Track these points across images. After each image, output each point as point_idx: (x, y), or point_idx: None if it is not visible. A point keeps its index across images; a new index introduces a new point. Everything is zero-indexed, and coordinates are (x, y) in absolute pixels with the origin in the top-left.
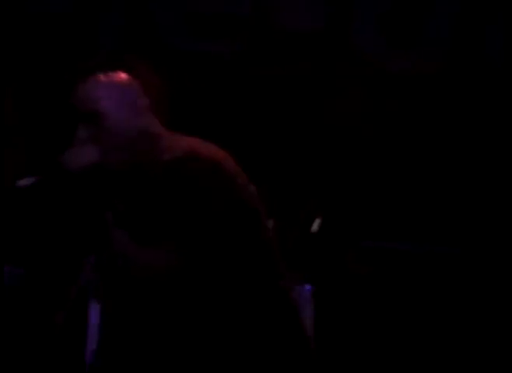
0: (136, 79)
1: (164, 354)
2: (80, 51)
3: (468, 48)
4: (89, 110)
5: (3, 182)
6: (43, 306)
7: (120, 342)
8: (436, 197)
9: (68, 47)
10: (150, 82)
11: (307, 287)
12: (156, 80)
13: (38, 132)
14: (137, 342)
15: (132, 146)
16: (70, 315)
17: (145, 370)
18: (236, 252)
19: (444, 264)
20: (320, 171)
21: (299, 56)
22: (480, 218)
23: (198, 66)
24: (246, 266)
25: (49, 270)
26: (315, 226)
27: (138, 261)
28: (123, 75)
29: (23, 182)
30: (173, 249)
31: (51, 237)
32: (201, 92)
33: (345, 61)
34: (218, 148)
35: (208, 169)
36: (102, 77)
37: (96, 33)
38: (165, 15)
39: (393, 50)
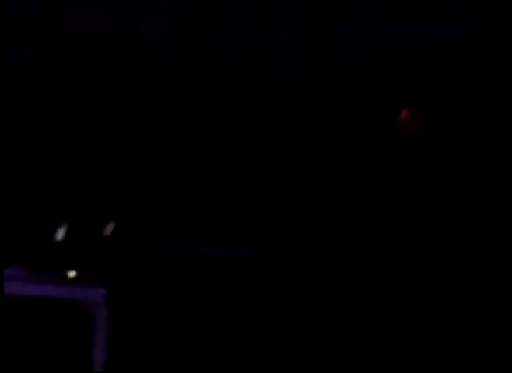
0: None
1: None
2: None
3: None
4: None
5: None
6: None
7: None
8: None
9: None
10: None
11: (101, 290)
12: None
13: None
14: None
15: None
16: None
17: None
18: None
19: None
20: (114, 174)
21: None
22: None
23: None
24: None
25: None
26: (108, 230)
27: None
28: None
29: None
30: None
31: None
32: None
33: (134, 65)
34: None
35: None
36: None
37: None
38: None
39: (187, 53)
